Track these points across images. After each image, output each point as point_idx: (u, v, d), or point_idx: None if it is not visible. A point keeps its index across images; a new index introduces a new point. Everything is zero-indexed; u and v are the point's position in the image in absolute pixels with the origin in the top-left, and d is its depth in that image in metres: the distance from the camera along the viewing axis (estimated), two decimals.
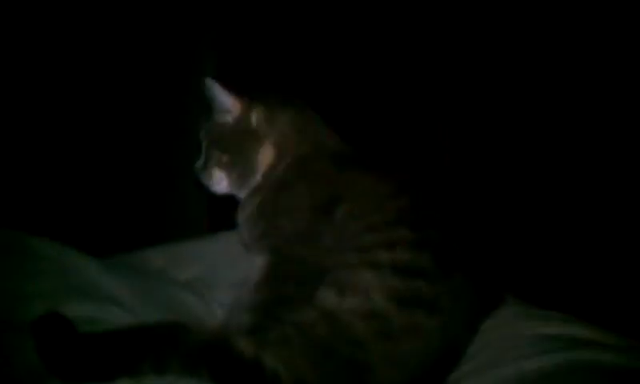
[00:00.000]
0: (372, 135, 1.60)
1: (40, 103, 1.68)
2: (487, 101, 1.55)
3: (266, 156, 1.17)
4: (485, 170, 1.56)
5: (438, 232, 0.99)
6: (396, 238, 0.96)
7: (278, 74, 1.79)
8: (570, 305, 1.17)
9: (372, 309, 0.90)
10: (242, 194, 1.21)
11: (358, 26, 1.70)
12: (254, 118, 1.18)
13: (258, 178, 1.18)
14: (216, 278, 1.22)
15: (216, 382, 0.83)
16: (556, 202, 1.44)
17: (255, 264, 1.07)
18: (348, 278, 0.93)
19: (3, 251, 1.01)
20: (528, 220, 1.48)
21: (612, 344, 1.00)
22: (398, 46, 1.66)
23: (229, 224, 1.30)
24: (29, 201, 1.62)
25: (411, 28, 1.65)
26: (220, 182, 1.21)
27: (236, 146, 1.18)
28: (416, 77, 1.65)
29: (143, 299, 1.05)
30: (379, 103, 1.68)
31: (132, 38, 1.82)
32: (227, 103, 1.17)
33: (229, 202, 1.25)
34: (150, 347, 0.82)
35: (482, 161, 1.57)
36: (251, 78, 1.81)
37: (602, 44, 1.38)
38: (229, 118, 1.19)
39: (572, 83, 1.42)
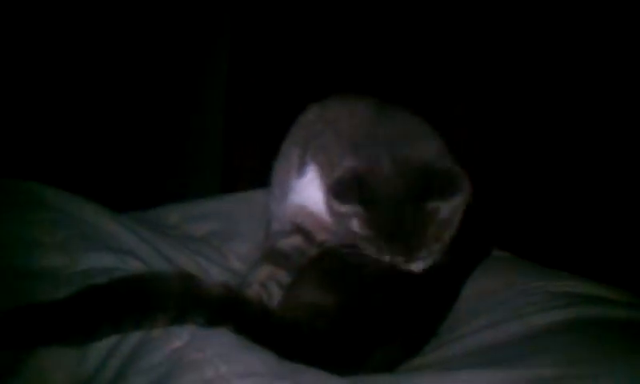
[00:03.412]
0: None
1: (61, 64, 1.70)
2: (507, 78, 1.54)
3: None
4: (502, 147, 1.56)
5: None
6: None
7: (291, 47, 1.79)
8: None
9: None
10: None
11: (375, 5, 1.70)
12: None
13: None
14: (234, 231, 1.22)
15: (238, 333, 0.83)
16: (567, 183, 1.44)
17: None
18: None
19: (20, 202, 1.01)
20: (540, 199, 1.49)
21: (622, 301, 1.01)
22: (419, 20, 1.65)
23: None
24: (46, 157, 1.64)
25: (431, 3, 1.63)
26: None
27: None
28: (436, 50, 1.64)
29: (159, 253, 1.05)
30: (398, 78, 1.68)
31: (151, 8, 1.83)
32: None
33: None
34: (172, 299, 0.82)
35: (499, 137, 1.57)
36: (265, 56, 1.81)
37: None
38: None
39: (587, 68, 1.41)
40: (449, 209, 0.93)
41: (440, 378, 0.82)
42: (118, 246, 0.99)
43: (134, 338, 0.80)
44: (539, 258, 1.24)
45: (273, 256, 0.99)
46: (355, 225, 0.93)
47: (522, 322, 0.95)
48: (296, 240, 1.00)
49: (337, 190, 0.93)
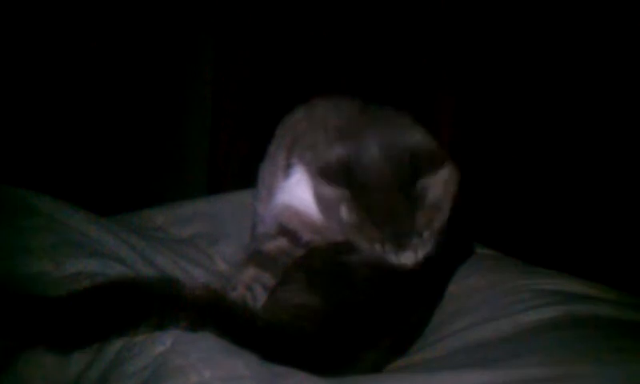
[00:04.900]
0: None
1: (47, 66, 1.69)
2: (489, 71, 1.55)
3: None
4: (484, 144, 1.57)
5: None
6: None
7: (276, 49, 1.78)
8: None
9: None
10: None
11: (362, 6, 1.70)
12: None
13: None
14: (219, 233, 1.22)
15: (222, 336, 0.82)
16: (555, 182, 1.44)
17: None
18: None
19: (12, 209, 1.01)
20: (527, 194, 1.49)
21: (611, 299, 1.01)
22: (405, 20, 1.65)
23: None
24: (32, 161, 1.63)
25: None
26: None
27: None
28: (416, 46, 1.64)
29: (143, 257, 1.05)
30: (378, 75, 1.68)
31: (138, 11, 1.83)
32: None
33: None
34: (154, 305, 0.81)
35: (482, 133, 1.57)
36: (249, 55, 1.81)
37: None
38: None
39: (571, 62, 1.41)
40: (436, 190, 0.94)
41: (426, 378, 0.81)
42: (105, 252, 0.99)
43: (118, 343, 0.79)
44: (526, 255, 1.24)
45: (258, 258, 0.99)
46: (344, 212, 0.93)
47: (509, 321, 0.95)
48: (281, 242, 1.00)
49: (325, 172, 0.94)
